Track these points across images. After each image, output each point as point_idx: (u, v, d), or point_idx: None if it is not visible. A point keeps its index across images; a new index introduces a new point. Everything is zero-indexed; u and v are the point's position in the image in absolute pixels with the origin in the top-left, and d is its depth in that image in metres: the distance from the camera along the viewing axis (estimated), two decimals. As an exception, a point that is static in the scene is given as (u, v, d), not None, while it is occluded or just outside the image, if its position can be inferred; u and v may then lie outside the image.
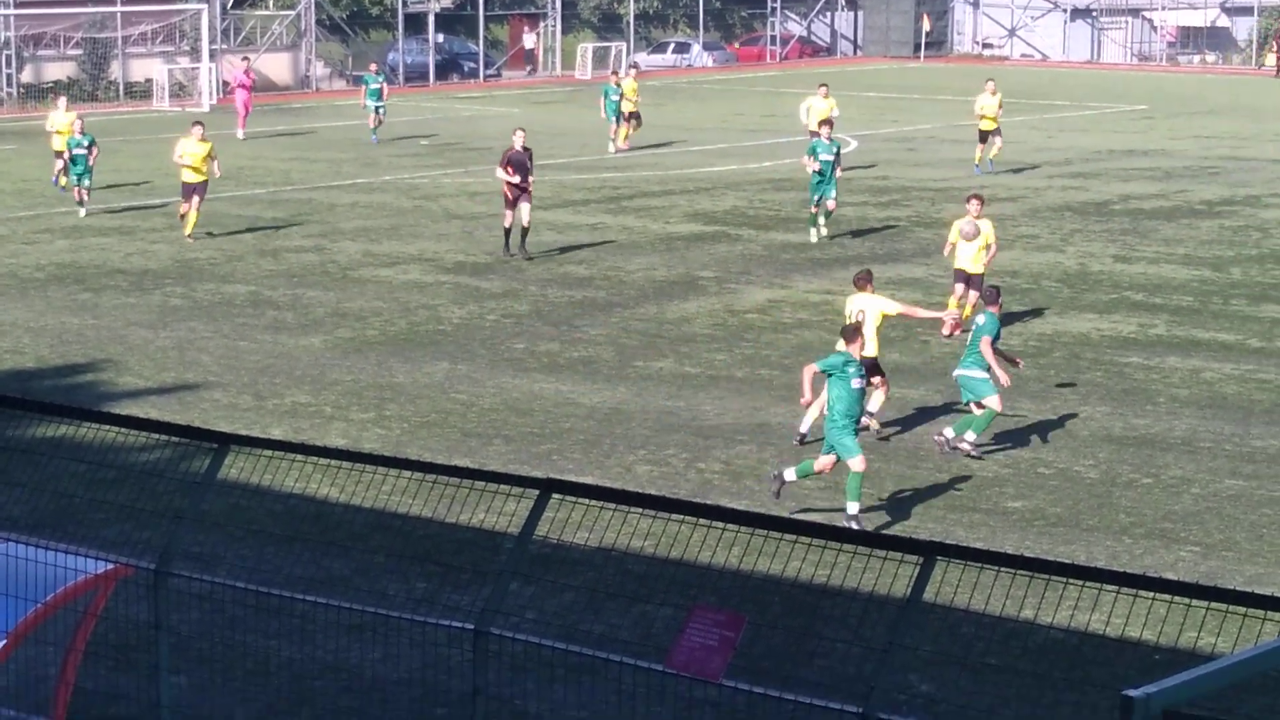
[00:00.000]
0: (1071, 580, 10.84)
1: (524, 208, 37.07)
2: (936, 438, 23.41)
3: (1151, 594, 10.63)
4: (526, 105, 72.30)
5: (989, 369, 23.17)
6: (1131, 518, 20.90)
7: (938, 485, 22.10)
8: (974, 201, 30.22)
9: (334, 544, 17.60)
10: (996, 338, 23.42)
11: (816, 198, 39.40)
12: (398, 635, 15.06)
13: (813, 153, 39.28)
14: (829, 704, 13.04)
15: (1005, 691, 14.91)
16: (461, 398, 26.23)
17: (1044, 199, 46.60)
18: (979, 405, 23.31)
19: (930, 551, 11.03)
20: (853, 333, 21.22)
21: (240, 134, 58.93)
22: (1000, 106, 50.37)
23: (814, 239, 39.51)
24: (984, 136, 50.59)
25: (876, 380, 23.80)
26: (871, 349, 23.25)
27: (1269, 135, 61.81)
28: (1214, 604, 10.14)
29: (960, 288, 30.11)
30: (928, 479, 22.36)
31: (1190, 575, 18.29)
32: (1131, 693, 6.79)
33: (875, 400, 24.03)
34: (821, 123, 41.06)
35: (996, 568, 10.95)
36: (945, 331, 28.99)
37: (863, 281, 24.30)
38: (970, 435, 23.17)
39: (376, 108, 58.23)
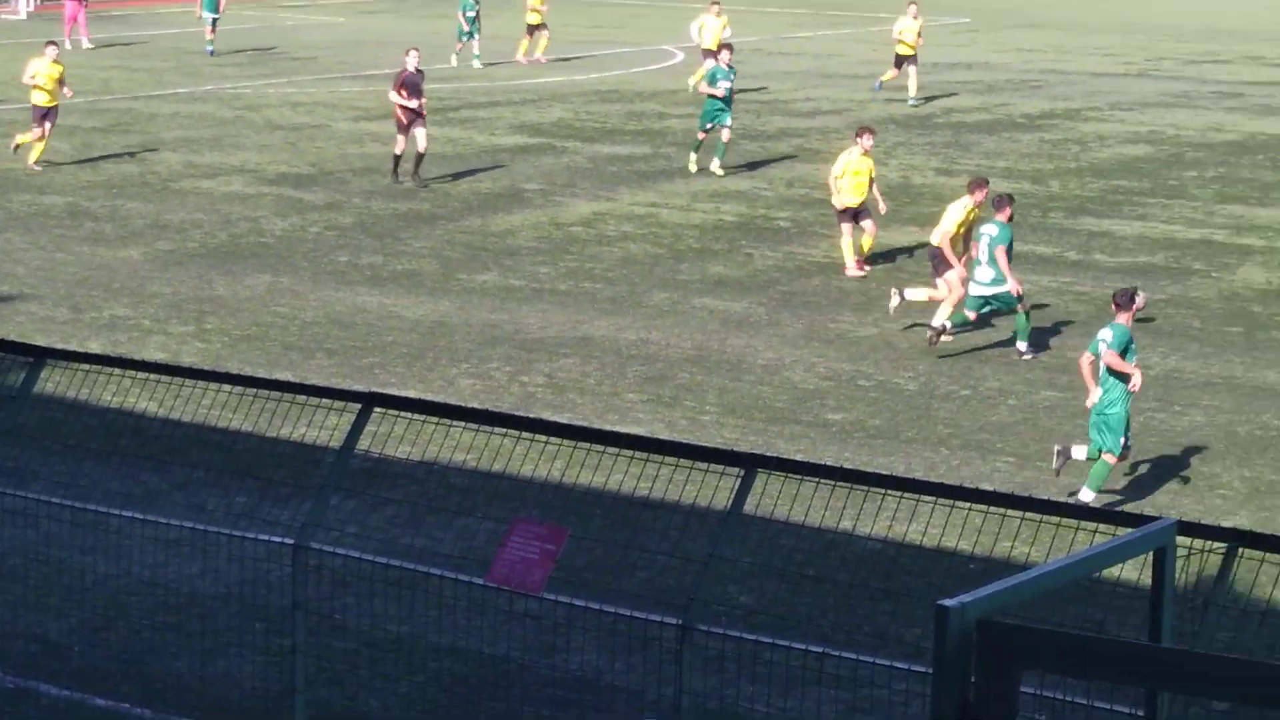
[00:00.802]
0: (889, 491, 10.95)
1: (419, 132, 35.14)
2: (1023, 355, 24.00)
3: (968, 504, 10.77)
4: (351, 14, 71.51)
5: (1004, 279, 23.73)
6: (949, 429, 21.14)
7: (759, 397, 22.22)
8: (866, 135, 28.76)
9: (152, 459, 17.39)
10: (1010, 246, 23.92)
11: (709, 125, 36.96)
12: (216, 550, 14.92)
13: (712, 80, 37.05)
14: (649, 616, 13.10)
15: (824, 602, 15.04)
16: (283, 311, 26.00)
17: (868, 111, 46.78)
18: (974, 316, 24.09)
19: (750, 464, 11.09)
20: (1128, 300, 19.27)
21: (85, 43, 57.56)
22: (920, 35, 47.57)
23: (693, 167, 37.35)
24: (899, 62, 47.79)
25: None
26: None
27: (1089, 49, 62.48)
28: (1028, 514, 10.29)
29: (848, 226, 28.55)
30: (749, 391, 22.47)
31: (1006, 486, 18.54)
32: (946, 602, 6.83)
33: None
34: (722, 46, 39.37)
35: (816, 479, 11.03)
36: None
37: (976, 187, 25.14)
38: (1021, 344, 24.08)
39: (214, 19, 57.15)
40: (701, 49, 47.65)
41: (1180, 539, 8.17)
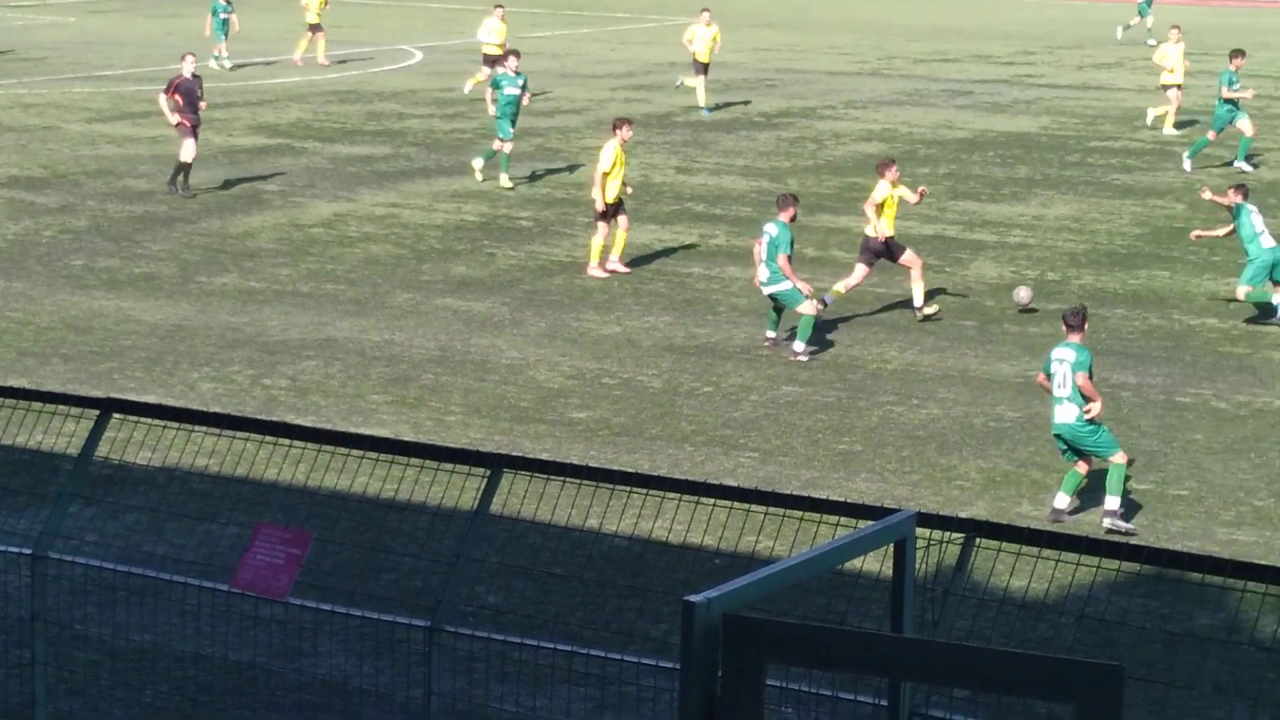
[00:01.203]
0: (635, 489, 11.02)
1: (190, 142, 33.83)
2: (794, 355, 23.98)
3: (712, 500, 10.87)
4: (81, 14, 70.22)
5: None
6: (693, 425, 21.32)
7: (504, 397, 22.23)
8: (624, 126, 28.65)
9: (-118, 470, 16.96)
10: (791, 245, 24.16)
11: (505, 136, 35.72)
12: (-49, 562, 14.60)
13: (496, 86, 35.80)
14: (397, 618, 13.06)
15: (571, 600, 15.10)
16: (17, 316, 25.48)
17: (607, 111, 46.96)
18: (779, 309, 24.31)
19: (496, 464, 11.10)
20: (1080, 320, 18.71)
21: None
22: (716, 40, 46.94)
23: (507, 182, 35.84)
24: (703, 69, 46.53)
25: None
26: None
27: (824, 48, 63.33)
28: (772, 508, 10.42)
29: (603, 225, 28.44)
30: (494, 391, 22.47)
31: (749, 481, 18.74)
32: (692, 598, 6.91)
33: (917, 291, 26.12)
34: (508, 52, 37.58)
35: (562, 478, 11.07)
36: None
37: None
38: (800, 345, 24.05)
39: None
40: (484, 53, 47.34)
41: (919, 530, 8.33)
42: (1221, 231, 27.39)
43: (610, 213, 28.42)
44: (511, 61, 36.36)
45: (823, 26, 71.33)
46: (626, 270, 28.65)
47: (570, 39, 65.07)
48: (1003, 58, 62.09)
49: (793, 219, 24.33)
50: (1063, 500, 18.35)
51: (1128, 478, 18.60)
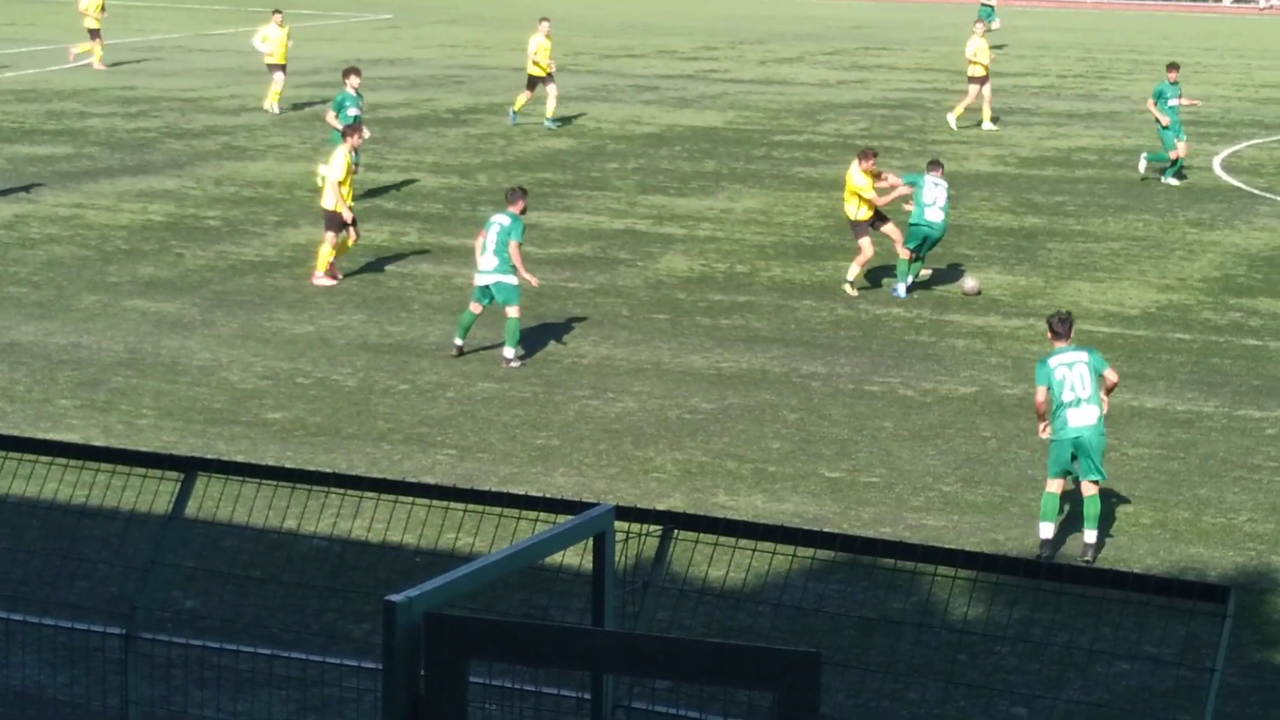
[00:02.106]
0: (332, 489, 10.94)
1: None
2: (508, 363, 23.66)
3: (411, 498, 10.83)
4: None
5: (517, 271, 23.69)
6: (390, 424, 21.23)
7: (197, 399, 21.92)
8: (355, 135, 28.56)
9: None
10: (522, 238, 24.02)
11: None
12: None
13: (340, 108, 34.62)
14: (91, 627, 12.81)
15: (271, 603, 14.95)
16: None
17: (293, 107, 46.57)
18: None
19: (191, 467, 10.94)
20: (1067, 327, 17.87)
21: None
22: (550, 56, 44.64)
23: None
24: (532, 83, 44.45)
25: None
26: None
27: (509, 44, 63.39)
28: (471, 505, 10.41)
29: (331, 237, 27.70)
30: (186, 393, 22.14)
31: (448, 478, 18.71)
32: (393, 597, 6.90)
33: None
34: (350, 70, 35.72)
35: (258, 480, 10.95)
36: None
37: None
38: (510, 351, 23.75)
39: None
40: (267, 63, 45.89)
41: (618, 523, 8.40)
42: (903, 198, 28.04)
43: (345, 222, 27.79)
44: (353, 80, 35.27)
45: (507, 23, 71.38)
46: (333, 282, 27.99)
47: (253, 36, 64.43)
48: (687, 53, 62.76)
49: (522, 211, 24.26)
50: (1048, 530, 17.41)
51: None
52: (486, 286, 23.84)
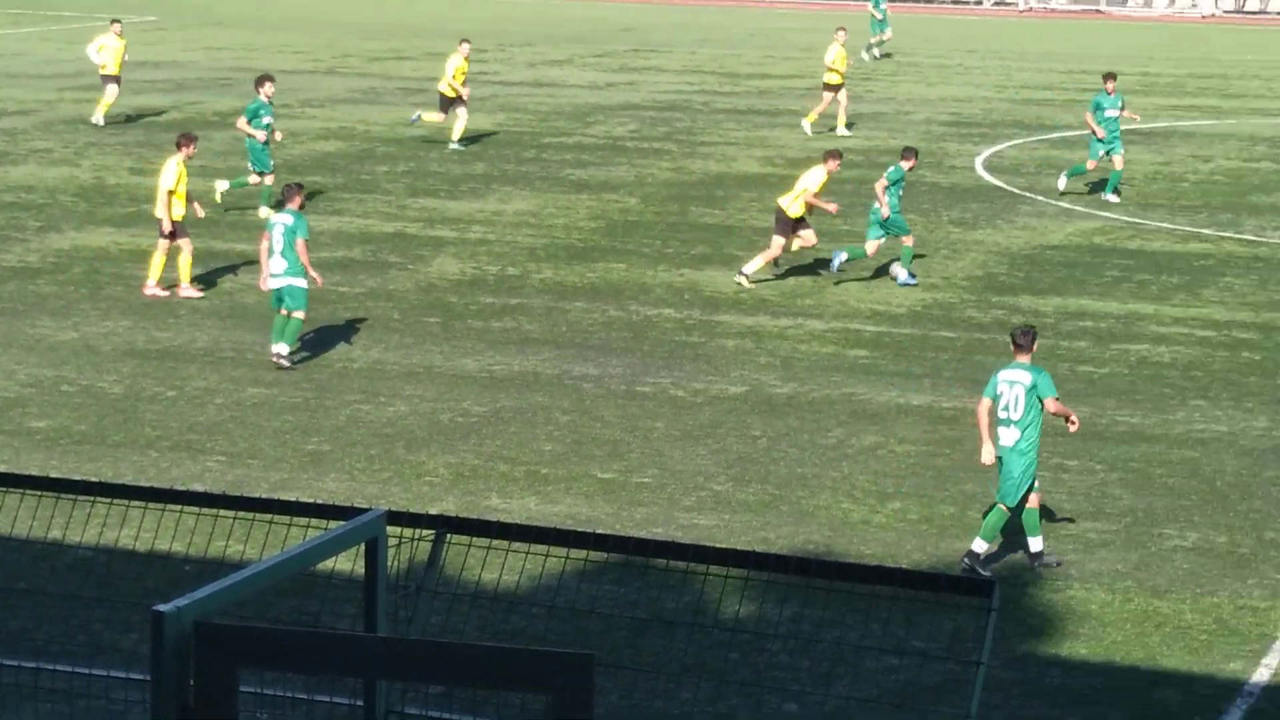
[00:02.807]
0: (99, 498, 10.77)
1: None
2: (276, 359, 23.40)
3: (179, 506, 10.69)
4: None
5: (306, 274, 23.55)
6: (158, 431, 20.95)
7: (-43, 409, 21.48)
8: (189, 144, 27.79)
9: None
10: (308, 234, 23.87)
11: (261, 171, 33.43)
12: None
13: (254, 116, 33.26)
14: None
15: (37, 614, 14.69)
16: None
17: (56, 112, 45.82)
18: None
19: (-49, 479, 10.71)
20: (1030, 340, 17.63)
21: None
22: (466, 78, 42.66)
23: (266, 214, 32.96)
24: (445, 104, 42.13)
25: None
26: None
27: (277, 46, 62.83)
28: (241, 512, 10.30)
29: (164, 243, 26.97)
30: (-54, 403, 21.69)
31: (218, 485, 18.52)
32: (162, 607, 6.81)
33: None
34: (264, 78, 34.68)
35: (21, 490, 10.75)
36: None
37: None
38: (284, 348, 23.54)
39: None
40: (101, 73, 44.36)
41: (390, 528, 8.36)
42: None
43: (177, 232, 27.20)
44: (267, 88, 34.35)
45: (273, 24, 70.76)
46: (200, 293, 27.29)
47: (14, 38, 63.18)
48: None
49: (301, 207, 24.03)
50: (1037, 544, 17.35)
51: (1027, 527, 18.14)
52: (279, 290, 23.58)
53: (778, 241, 28.47)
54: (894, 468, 20.08)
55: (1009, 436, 17.09)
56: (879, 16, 64.06)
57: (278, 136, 33.98)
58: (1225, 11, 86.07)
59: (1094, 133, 35.95)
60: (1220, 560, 17.45)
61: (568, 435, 21.13)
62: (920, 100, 52.17)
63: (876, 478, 19.75)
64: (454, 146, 41.82)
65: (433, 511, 14.14)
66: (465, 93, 41.96)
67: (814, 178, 28.68)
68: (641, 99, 51.80)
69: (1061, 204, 35.76)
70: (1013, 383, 17.14)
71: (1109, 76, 36.57)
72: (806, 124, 45.52)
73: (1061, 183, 36.36)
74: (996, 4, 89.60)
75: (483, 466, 20.02)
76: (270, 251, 23.56)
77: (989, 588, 8.57)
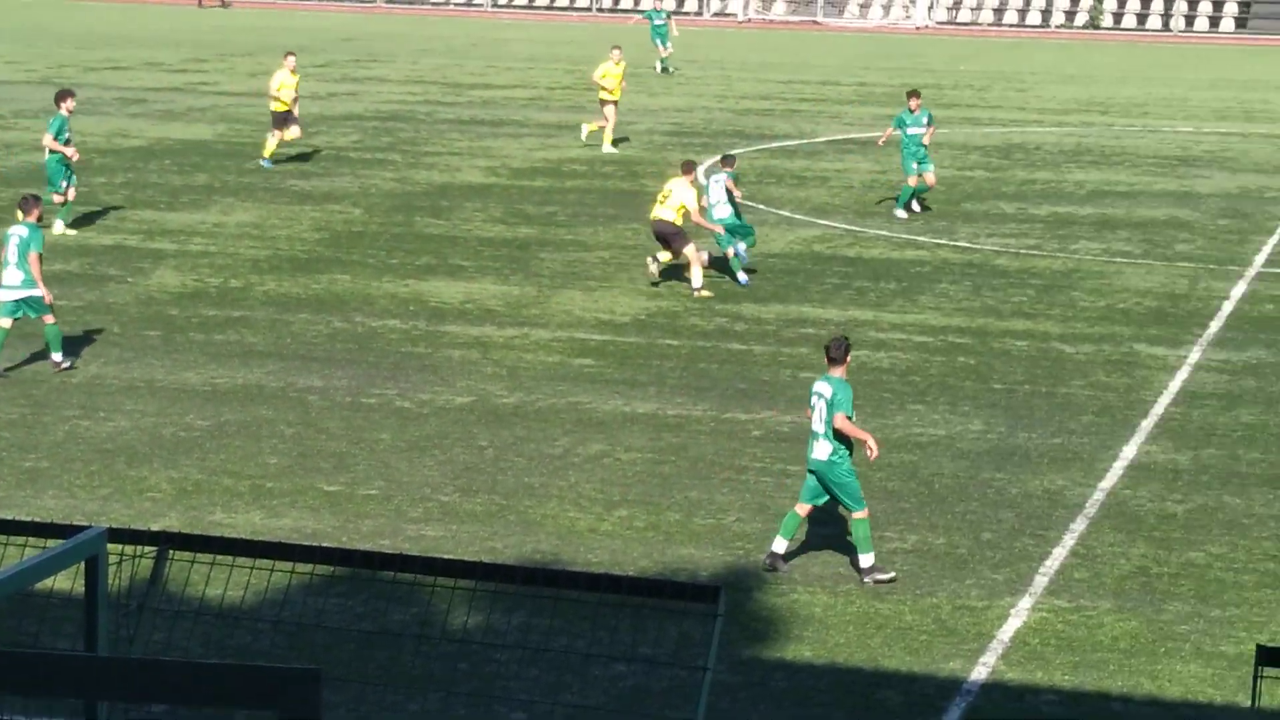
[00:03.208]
0: None
1: None
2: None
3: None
4: None
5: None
6: None
7: None
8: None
9: None
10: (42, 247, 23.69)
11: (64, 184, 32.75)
12: None
13: (59, 132, 32.34)
14: None
15: None
16: None
17: None
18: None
19: None
20: (844, 352, 17.66)
21: None
22: (297, 89, 41.30)
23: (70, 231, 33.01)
24: (280, 120, 40.98)
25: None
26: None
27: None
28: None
29: None
30: None
31: (-69, 505, 18.06)
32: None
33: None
34: (64, 93, 33.67)
35: None
36: None
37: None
38: (57, 355, 23.76)
39: None
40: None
41: (111, 545, 8.23)
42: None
43: None
44: (69, 103, 33.32)
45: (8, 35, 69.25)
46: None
47: None
48: (175, 65, 61.79)
49: (39, 220, 23.71)
50: (781, 544, 17.46)
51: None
52: (16, 301, 23.38)
53: (689, 248, 29.10)
54: (620, 475, 20.21)
55: (822, 450, 17.25)
56: (659, 22, 64.30)
57: (71, 153, 33.19)
58: (938, 23, 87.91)
59: (902, 146, 35.88)
60: (939, 561, 17.82)
61: (293, 448, 20.96)
62: (643, 110, 52.55)
63: (603, 486, 19.87)
64: (263, 163, 40.70)
65: (155, 528, 13.98)
66: (295, 105, 41.10)
67: (688, 194, 29.19)
68: (364, 109, 51.58)
69: (782, 212, 36.27)
70: (819, 395, 17.33)
71: (912, 94, 36.56)
72: (585, 130, 45.32)
73: (900, 214, 35.95)
74: (716, 15, 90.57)
75: (206, 481, 19.78)
76: (4, 263, 23.36)
77: (714, 593, 8.67)
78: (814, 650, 15.74)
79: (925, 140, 36.07)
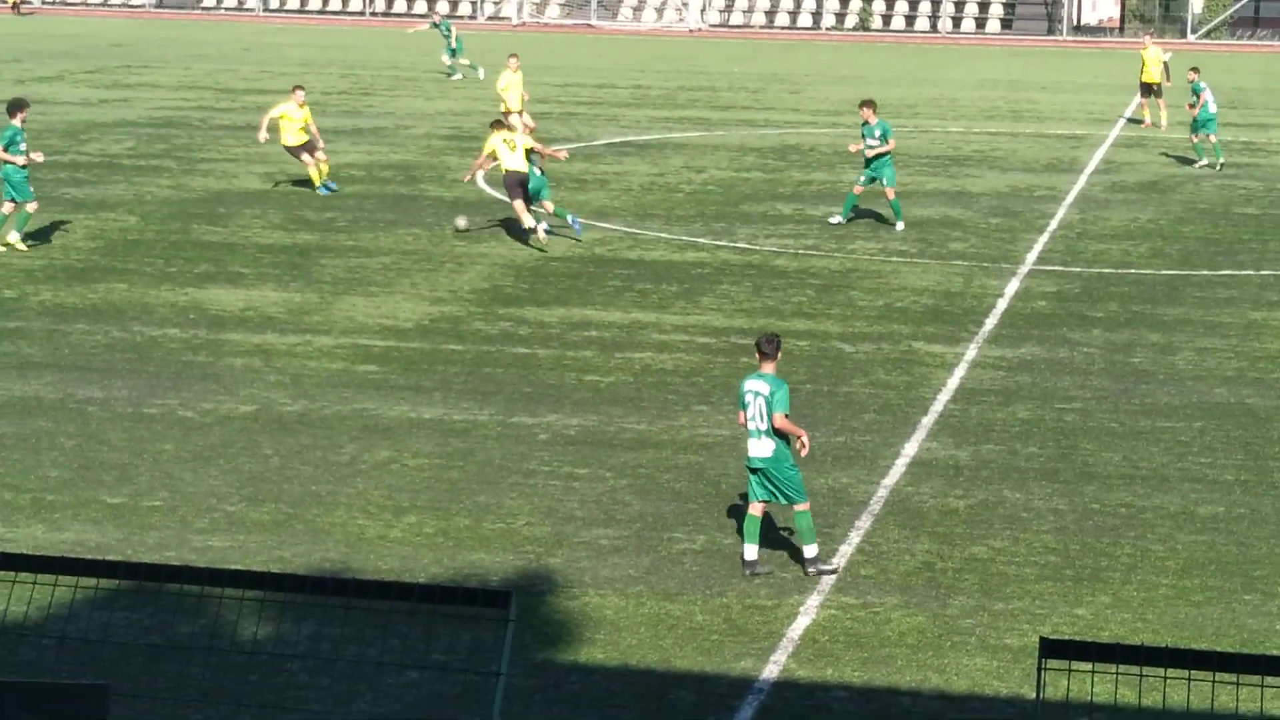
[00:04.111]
0: None
1: None
2: None
3: None
4: None
5: None
6: None
7: None
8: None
9: None
10: None
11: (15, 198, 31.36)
12: None
13: (10, 144, 31.15)
14: None
15: None
16: None
17: None
18: None
19: None
20: (775, 349, 17.70)
21: None
22: (309, 121, 38.28)
23: (20, 245, 31.90)
24: (300, 150, 38.08)
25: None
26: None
27: None
28: None
29: None
30: None
31: None
32: None
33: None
34: (17, 104, 32.22)
35: None
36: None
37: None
38: None
39: None
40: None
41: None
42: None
43: None
44: (23, 114, 32.16)
45: None
46: None
47: None
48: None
49: None
50: (751, 550, 17.38)
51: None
52: None
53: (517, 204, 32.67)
54: (408, 482, 20.13)
55: (764, 448, 17.31)
56: (446, 35, 64.18)
57: (37, 158, 32.49)
58: (711, 26, 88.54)
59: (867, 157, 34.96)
60: (728, 561, 17.94)
61: (74, 460, 20.62)
62: (420, 114, 52.37)
63: (391, 492, 19.77)
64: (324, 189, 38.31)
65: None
66: (319, 140, 38.37)
67: (524, 139, 33.09)
68: (137, 116, 50.89)
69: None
70: (756, 393, 17.37)
71: (865, 104, 35.53)
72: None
73: (835, 219, 35.98)
74: (490, 18, 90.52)
75: (-18, 496, 19.40)
76: None
77: (505, 598, 8.67)
78: (606, 653, 15.79)
79: (868, 153, 35.06)
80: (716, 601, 16.94)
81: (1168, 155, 46.65)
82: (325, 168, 38.26)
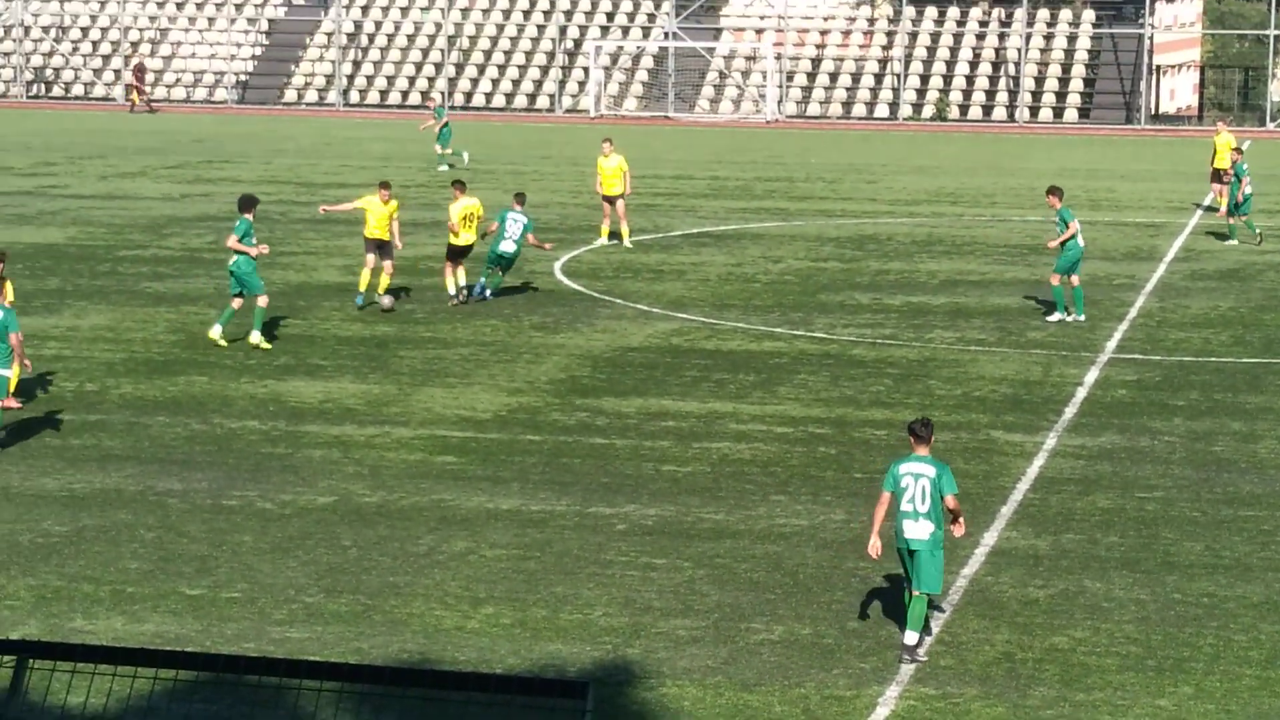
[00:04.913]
0: None
1: None
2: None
3: None
4: None
5: None
6: None
7: None
8: None
9: None
10: None
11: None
12: None
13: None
14: None
15: None
16: None
17: None
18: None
19: None
20: (929, 432, 17.92)
21: None
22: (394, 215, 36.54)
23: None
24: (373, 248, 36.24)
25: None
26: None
27: None
28: None
29: None
30: None
31: None
32: None
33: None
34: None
35: None
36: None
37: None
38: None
39: None
40: None
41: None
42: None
43: None
44: (252, 211, 32.64)
45: None
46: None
47: None
48: (25, 169, 61.28)
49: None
50: (912, 636, 17.44)
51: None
52: None
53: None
54: (485, 573, 20.13)
55: (922, 529, 17.41)
56: (434, 120, 65.08)
57: (264, 250, 32.57)
58: (788, 117, 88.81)
59: None
60: (806, 651, 17.86)
61: (153, 552, 20.73)
62: (496, 206, 52.67)
63: (468, 583, 19.78)
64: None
65: (13, 636, 13.75)
66: (398, 241, 36.70)
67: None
68: (218, 210, 51.32)
69: (640, 306, 36.41)
70: (917, 475, 17.49)
71: (1051, 192, 36.33)
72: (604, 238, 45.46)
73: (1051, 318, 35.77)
74: (569, 111, 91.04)
75: (66, 588, 19.51)
76: None
77: (583, 689, 8.64)
78: (684, 744, 15.70)
79: (1052, 244, 36.37)
80: (795, 692, 16.85)
81: (1247, 243, 46.43)
82: (387, 280, 36.09)
